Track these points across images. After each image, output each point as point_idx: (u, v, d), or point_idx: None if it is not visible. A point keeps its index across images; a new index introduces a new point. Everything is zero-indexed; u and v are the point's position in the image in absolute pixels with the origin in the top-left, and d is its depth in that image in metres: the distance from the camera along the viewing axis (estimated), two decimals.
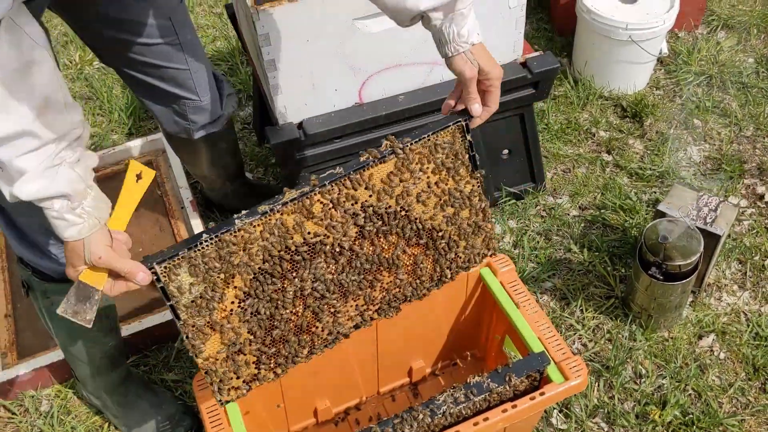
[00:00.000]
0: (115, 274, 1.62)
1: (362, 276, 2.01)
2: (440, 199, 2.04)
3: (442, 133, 1.98)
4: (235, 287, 1.84)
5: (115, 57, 2.31)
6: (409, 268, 2.09)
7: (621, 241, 3.18)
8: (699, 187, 3.36)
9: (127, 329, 2.85)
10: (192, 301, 1.78)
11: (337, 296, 1.98)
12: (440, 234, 2.08)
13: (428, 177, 1.99)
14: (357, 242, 1.96)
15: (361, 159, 1.92)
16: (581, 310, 2.96)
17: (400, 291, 2.10)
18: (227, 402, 1.97)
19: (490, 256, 2.27)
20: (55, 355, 2.81)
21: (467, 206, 2.09)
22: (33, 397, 2.81)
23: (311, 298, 1.95)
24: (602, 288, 3.04)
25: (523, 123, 3.13)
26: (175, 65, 2.34)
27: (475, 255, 2.21)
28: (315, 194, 1.86)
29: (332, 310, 2.00)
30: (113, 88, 4.13)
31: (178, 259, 1.73)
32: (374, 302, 2.08)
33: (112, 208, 1.67)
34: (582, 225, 3.27)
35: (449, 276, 2.19)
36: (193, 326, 1.79)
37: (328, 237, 1.92)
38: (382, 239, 2.00)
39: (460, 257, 2.17)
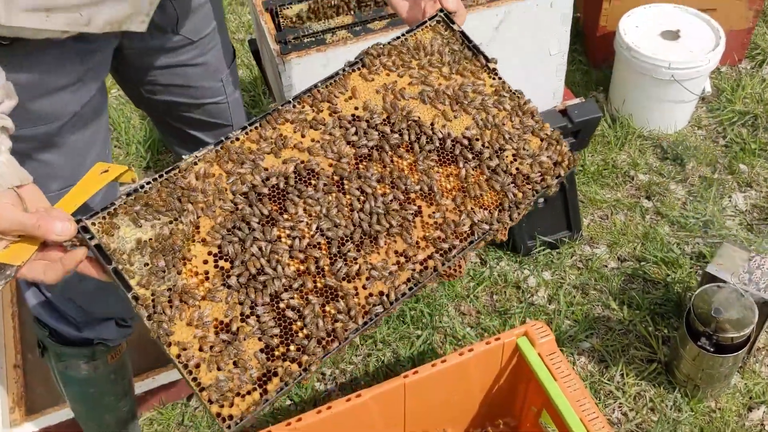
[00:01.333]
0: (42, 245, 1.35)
1: (386, 208, 1.57)
2: (456, 102, 1.69)
3: (419, 31, 1.74)
4: (203, 241, 1.49)
5: (156, 110, 2.20)
6: (453, 193, 1.62)
7: (663, 298, 2.99)
8: (747, 240, 3.16)
9: (140, 386, 2.71)
10: (145, 264, 1.44)
11: (358, 241, 1.55)
12: (479, 145, 1.66)
13: (424, 76, 1.71)
14: (362, 164, 1.61)
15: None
16: (621, 375, 2.78)
17: (455, 225, 1.59)
18: (236, 422, 1.40)
19: (570, 169, 1.71)
20: (65, 414, 2.67)
21: (499, 106, 1.70)
22: None
23: (320, 243, 1.53)
24: (644, 350, 2.85)
25: None
26: (219, 120, 2.22)
27: (546, 168, 1.67)
28: (280, 114, 1.60)
29: (359, 260, 1.54)
30: (131, 119, 4.00)
31: (115, 208, 1.44)
32: (420, 245, 1.58)
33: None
34: (621, 279, 3.09)
35: (519, 197, 1.64)
36: (153, 297, 1.42)
37: (318, 162, 1.59)
38: (395, 158, 1.63)
39: (525, 173, 1.65)
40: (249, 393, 1.40)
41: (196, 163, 1.54)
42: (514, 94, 1.72)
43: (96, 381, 2.15)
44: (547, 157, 1.67)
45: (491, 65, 1.72)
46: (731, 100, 3.82)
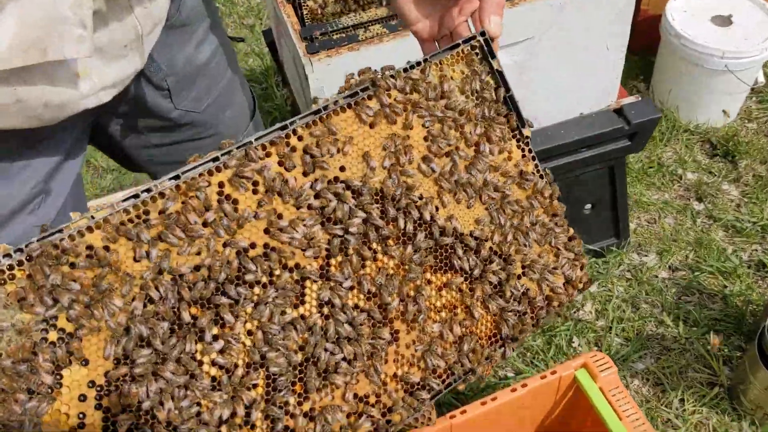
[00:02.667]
0: None
1: (354, 332, 1.19)
2: (470, 185, 1.31)
3: (447, 59, 1.29)
4: (85, 362, 1.01)
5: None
6: (442, 314, 1.28)
7: (722, 312, 2.73)
8: None
9: None
10: None
11: (312, 377, 1.16)
12: (487, 248, 1.31)
13: (441, 134, 1.29)
14: (334, 259, 1.19)
15: (314, 107, 1.20)
16: (681, 401, 2.53)
17: (442, 362, 1.28)
18: None
19: (581, 289, 1.45)
20: None
21: (519, 183, 1.35)
22: None
23: (256, 380, 1.13)
24: (703, 372, 2.60)
25: (612, 176, 2.68)
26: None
27: (556, 293, 1.39)
28: (231, 163, 1.13)
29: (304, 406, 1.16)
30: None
31: None
32: (387, 387, 1.23)
33: None
34: (674, 291, 2.83)
35: (517, 329, 1.33)
36: None
37: (274, 247, 1.14)
38: (381, 254, 1.22)
39: (531, 296, 1.35)
40: None
41: (91, 229, 1.03)
42: (543, 177, 1.39)
43: None
44: (563, 274, 1.39)
45: (525, 132, 1.36)
46: None
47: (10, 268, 0.98)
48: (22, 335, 0.96)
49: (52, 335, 1.00)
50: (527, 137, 1.37)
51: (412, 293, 1.25)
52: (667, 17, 3.28)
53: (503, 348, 1.33)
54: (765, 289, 2.79)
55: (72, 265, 1.01)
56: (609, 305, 2.78)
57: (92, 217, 1.02)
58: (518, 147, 1.36)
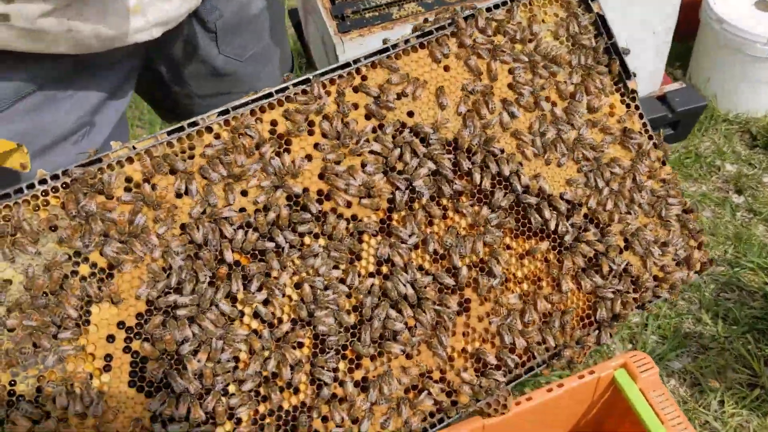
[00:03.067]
0: None
1: (416, 295, 1.07)
2: (562, 141, 1.16)
3: None
4: (114, 300, 0.95)
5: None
6: (523, 286, 1.14)
7: (763, 311, 2.62)
8: None
9: None
10: (9, 330, 0.89)
11: (366, 342, 1.06)
12: (580, 215, 1.15)
13: (530, 82, 1.17)
14: (397, 214, 1.08)
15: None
16: (720, 402, 2.42)
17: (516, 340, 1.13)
18: None
19: (698, 271, 1.26)
20: None
21: (622, 141, 1.20)
22: None
23: (303, 338, 1.03)
24: (743, 373, 2.49)
25: None
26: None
27: (669, 273, 1.21)
28: (286, 101, 1.06)
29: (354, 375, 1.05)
30: None
31: None
32: (454, 363, 1.10)
33: None
34: (713, 287, 2.71)
35: (618, 309, 1.17)
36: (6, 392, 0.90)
37: (329, 194, 1.04)
38: (452, 212, 1.10)
39: (635, 274, 1.17)
40: None
41: (131, 160, 0.98)
42: (651, 138, 1.22)
43: None
44: (675, 252, 1.20)
45: (631, 84, 1.23)
46: None
47: (45, 194, 0.94)
48: (52, 268, 0.92)
49: (83, 269, 0.94)
50: (633, 91, 1.22)
51: (486, 259, 1.11)
52: (707, 1, 3.14)
53: (598, 332, 1.18)
54: None
55: (109, 197, 0.97)
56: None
57: (134, 148, 0.98)
58: (622, 102, 1.22)
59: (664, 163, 1.23)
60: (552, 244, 1.15)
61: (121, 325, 0.97)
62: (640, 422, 1.99)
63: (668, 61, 3.55)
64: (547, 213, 1.14)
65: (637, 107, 1.23)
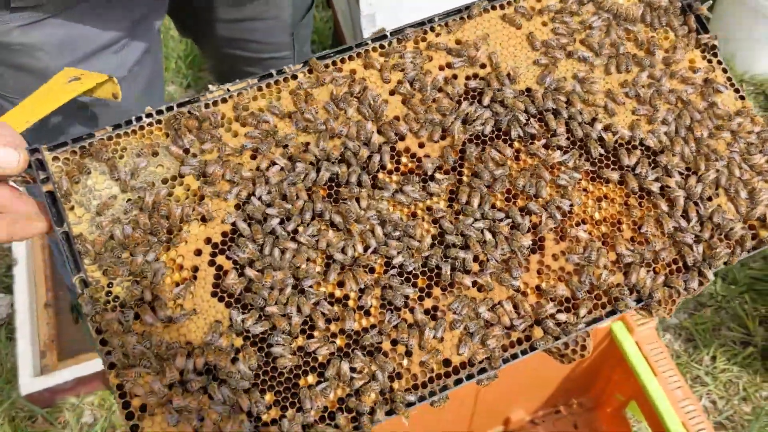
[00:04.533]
0: None
1: (491, 227, 1.10)
2: (641, 87, 1.19)
3: None
4: (204, 219, 1.05)
5: (213, 57, 1.89)
6: (601, 229, 1.13)
7: (762, 272, 2.67)
8: None
9: None
10: (111, 237, 1.01)
11: (431, 272, 1.08)
12: (664, 161, 1.14)
13: (600, 34, 1.22)
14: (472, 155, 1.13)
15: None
16: (712, 358, 2.50)
17: (594, 281, 1.10)
18: None
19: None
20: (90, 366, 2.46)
21: (703, 92, 1.20)
22: (74, 405, 2.48)
23: (375, 264, 1.07)
24: (737, 331, 2.56)
25: None
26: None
27: (752, 212, 1.15)
28: (368, 55, 1.16)
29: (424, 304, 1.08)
30: (170, 29, 3.62)
31: (92, 144, 1.03)
32: (528, 299, 1.09)
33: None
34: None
35: (708, 255, 1.12)
36: (107, 294, 1.00)
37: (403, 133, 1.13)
38: (524, 155, 1.15)
39: (722, 223, 1.13)
40: None
41: (225, 100, 1.10)
42: (738, 91, 1.21)
43: None
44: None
45: (709, 39, 1.22)
46: None
47: (150, 125, 1.07)
48: (153, 188, 1.04)
49: (179, 191, 1.06)
50: (714, 46, 1.24)
51: (559, 197, 1.12)
52: None
53: (687, 280, 1.11)
54: None
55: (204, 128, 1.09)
56: None
57: (228, 90, 1.11)
58: (703, 57, 1.23)
59: (755, 114, 1.23)
60: (632, 188, 1.16)
61: (207, 240, 1.06)
62: (631, 374, 2.07)
63: None
64: (625, 159, 1.15)
65: (719, 62, 1.24)
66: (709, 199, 1.15)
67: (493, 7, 1.21)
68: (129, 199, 1.03)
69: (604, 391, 2.30)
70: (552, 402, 2.41)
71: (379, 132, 1.13)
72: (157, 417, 0.97)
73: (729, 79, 1.23)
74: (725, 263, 1.13)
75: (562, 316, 1.08)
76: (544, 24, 1.23)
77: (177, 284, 1.03)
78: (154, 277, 1.01)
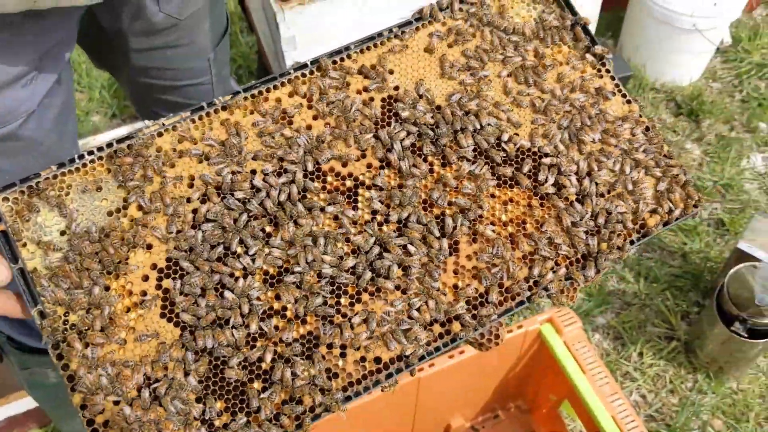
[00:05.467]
0: None
1: (420, 229, 1.18)
2: (540, 100, 1.29)
3: None
4: (149, 247, 1.11)
5: (131, 90, 1.89)
6: (508, 229, 1.21)
7: (681, 269, 2.80)
8: None
9: None
10: (58, 264, 1.07)
11: (364, 278, 1.15)
12: (552, 161, 1.25)
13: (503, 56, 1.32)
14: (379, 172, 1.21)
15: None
16: (639, 354, 2.60)
17: (504, 275, 1.19)
18: None
19: (684, 212, 1.28)
20: (33, 401, 2.40)
21: (599, 111, 1.29)
22: None
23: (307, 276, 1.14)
24: (662, 327, 2.67)
25: None
26: (201, 102, 1.92)
27: (660, 211, 1.25)
28: (290, 83, 1.24)
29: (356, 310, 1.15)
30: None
31: (39, 184, 1.10)
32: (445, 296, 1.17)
33: None
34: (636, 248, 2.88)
35: (603, 248, 1.21)
36: (64, 321, 1.05)
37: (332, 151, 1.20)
38: (437, 166, 1.23)
39: (617, 212, 1.23)
40: None
41: (161, 134, 1.17)
42: (623, 95, 1.32)
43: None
44: (661, 194, 1.25)
45: (598, 50, 1.31)
46: (748, 50, 3.56)
47: (92, 161, 1.12)
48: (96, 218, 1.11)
49: (124, 223, 1.11)
50: (602, 56, 1.33)
51: (472, 202, 1.21)
52: None
53: (585, 269, 1.20)
54: (723, 247, 2.86)
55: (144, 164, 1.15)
56: None
57: (163, 124, 1.17)
58: (592, 67, 1.33)
59: (640, 116, 1.32)
60: (533, 191, 1.24)
61: (153, 266, 1.12)
62: (562, 374, 2.15)
63: (600, 31, 3.68)
64: (526, 165, 1.24)
65: (607, 71, 1.34)
66: (602, 195, 1.24)
67: (403, 32, 1.29)
68: (73, 234, 1.10)
69: (539, 393, 2.37)
70: (490, 407, 2.47)
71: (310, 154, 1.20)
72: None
73: (617, 85, 1.32)
74: (619, 249, 1.22)
75: (476, 311, 1.16)
76: (450, 46, 1.30)
77: (128, 309, 1.08)
78: (106, 305, 1.06)
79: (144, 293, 1.09)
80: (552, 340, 2.14)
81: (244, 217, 1.15)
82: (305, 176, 1.18)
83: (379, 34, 1.28)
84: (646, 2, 3.21)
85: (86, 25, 1.53)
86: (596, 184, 1.24)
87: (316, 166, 1.20)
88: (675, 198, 1.26)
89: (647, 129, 1.30)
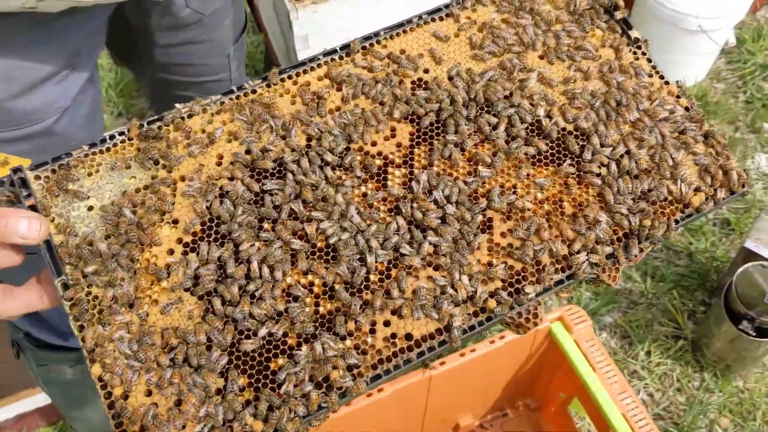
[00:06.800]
0: None
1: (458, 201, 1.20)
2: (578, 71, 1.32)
3: None
4: (176, 222, 1.15)
5: (150, 85, 1.90)
6: (545, 207, 1.21)
7: (687, 268, 2.81)
8: None
9: None
10: (85, 245, 1.09)
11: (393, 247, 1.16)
12: (596, 141, 1.25)
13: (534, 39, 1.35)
14: (420, 149, 1.25)
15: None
16: (647, 353, 2.62)
17: (542, 254, 1.18)
18: None
19: (735, 191, 1.25)
20: (44, 398, 2.41)
21: (638, 89, 1.29)
22: None
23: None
24: (668, 326, 2.68)
25: None
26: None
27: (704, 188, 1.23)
28: (321, 67, 1.29)
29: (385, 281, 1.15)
30: (100, 57, 3.59)
31: (69, 162, 1.14)
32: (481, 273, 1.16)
33: None
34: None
35: (647, 224, 1.19)
36: (88, 294, 1.07)
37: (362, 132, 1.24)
38: (469, 144, 1.25)
39: (659, 190, 1.22)
40: None
41: (190, 116, 1.22)
42: (661, 77, 1.33)
43: (83, 382, 1.88)
44: (703, 172, 1.24)
45: (633, 33, 1.34)
46: (752, 51, 3.58)
47: (122, 141, 1.18)
48: (124, 195, 1.15)
49: (148, 200, 1.15)
50: (637, 39, 1.35)
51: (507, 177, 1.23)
52: None
53: (628, 247, 1.18)
54: (729, 246, 2.87)
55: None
56: None
57: (191, 107, 1.22)
58: (629, 50, 1.35)
59: (678, 97, 1.32)
60: (571, 169, 1.24)
61: (179, 241, 1.14)
62: (572, 372, 2.15)
63: None
64: (568, 143, 1.26)
65: (644, 53, 1.34)
66: (643, 173, 1.24)
67: (433, 20, 1.34)
68: (104, 209, 1.13)
69: (548, 391, 2.38)
70: (499, 405, 2.48)
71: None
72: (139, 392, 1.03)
73: (654, 67, 1.33)
74: (665, 232, 1.20)
75: (513, 287, 1.15)
76: (480, 30, 1.34)
77: (152, 282, 1.10)
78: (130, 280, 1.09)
79: (168, 266, 1.11)
80: (562, 339, 2.15)
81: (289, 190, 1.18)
82: (339, 155, 1.22)
83: (409, 21, 1.32)
84: (651, 3, 3.22)
85: (111, 23, 1.54)
86: (636, 161, 1.23)
87: (350, 145, 1.23)
88: (718, 176, 1.24)
89: (687, 109, 1.30)
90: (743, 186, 1.25)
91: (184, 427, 1.02)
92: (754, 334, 2.30)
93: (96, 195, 1.14)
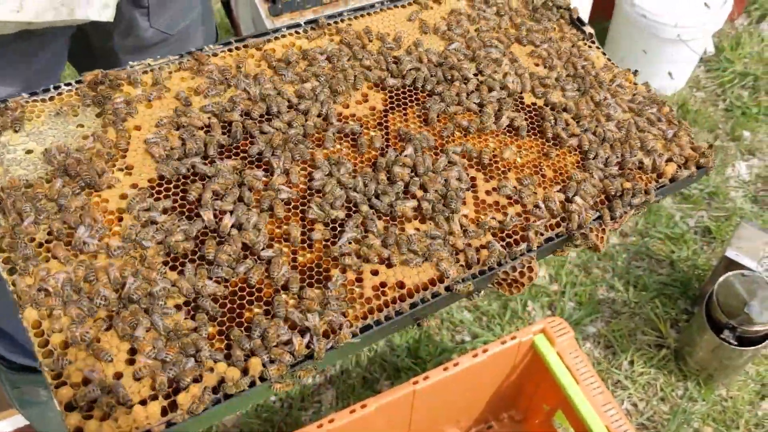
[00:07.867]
0: None
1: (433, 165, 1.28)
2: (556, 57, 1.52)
3: None
4: (129, 168, 1.14)
5: None
6: (524, 171, 1.30)
7: (669, 277, 2.83)
8: (753, 214, 3.00)
9: None
10: (28, 186, 1.06)
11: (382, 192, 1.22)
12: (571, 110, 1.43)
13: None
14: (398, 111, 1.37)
15: None
16: (630, 362, 2.62)
17: (531, 208, 1.25)
18: None
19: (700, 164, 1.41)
20: (21, 420, 2.37)
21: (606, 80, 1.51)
22: None
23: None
24: (651, 335, 2.69)
25: None
26: None
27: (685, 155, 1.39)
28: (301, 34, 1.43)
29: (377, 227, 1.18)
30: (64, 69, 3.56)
31: (6, 105, 1.13)
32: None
33: None
34: (624, 256, 2.90)
35: (628, 186, 1.30)
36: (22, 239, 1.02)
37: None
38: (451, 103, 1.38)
39: (636, 159, 1.36)
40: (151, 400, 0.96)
41: (145, 72, 1.28)
42: (616, 66, 1.56)
43: None
44: (669, 143, 1.42)
45: (587, 29, 1.56)
46: (731, 60, 3.61)
47: (69, 91, 1.19)
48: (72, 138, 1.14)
49: (97, 145, 1.14)
50: (591, 35, 1.58)
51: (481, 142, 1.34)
52: None
53: (612, 209, 1.25)
54: (710, 255, 2.89)
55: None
56: (562, 270, 2.84)
57: (149, 65, 1.28)
58: (584, 44, 1.58)
59: (635, 84, 1.53)
60: (546, 139, 1.38)
61: (133, 186, 1.15)
62: (555, 385, 2.15)
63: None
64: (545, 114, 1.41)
65: (598, 47, 1.56)
66: (617, 141, 1.39)
67: (396, 6, 1.52)
68: (46, 150, 1.12)
69: (532, 403, 2.38)
70: (483, 418, 2.47)
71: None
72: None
73: (609, 59, 1.56)
74: (645, 195, 1.31)
75: (501, 248, 1.19)
76: (443, 18, 1.55)
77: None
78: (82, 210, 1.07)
79: (121, 211, 1.09)
80: (545, 351, 2.15)
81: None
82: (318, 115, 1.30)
83: (371, 6, 1.45)
84: (630, 13, 3.25)
85: (74, 43, 1.53)
86: (607, 131, 1.39)
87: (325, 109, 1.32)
88: (683, 145, 1.40)
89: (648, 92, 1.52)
90: (703, 155, 1.39)
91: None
92: (736, 343, 2.31)
93: (36, 140, 1.12)
